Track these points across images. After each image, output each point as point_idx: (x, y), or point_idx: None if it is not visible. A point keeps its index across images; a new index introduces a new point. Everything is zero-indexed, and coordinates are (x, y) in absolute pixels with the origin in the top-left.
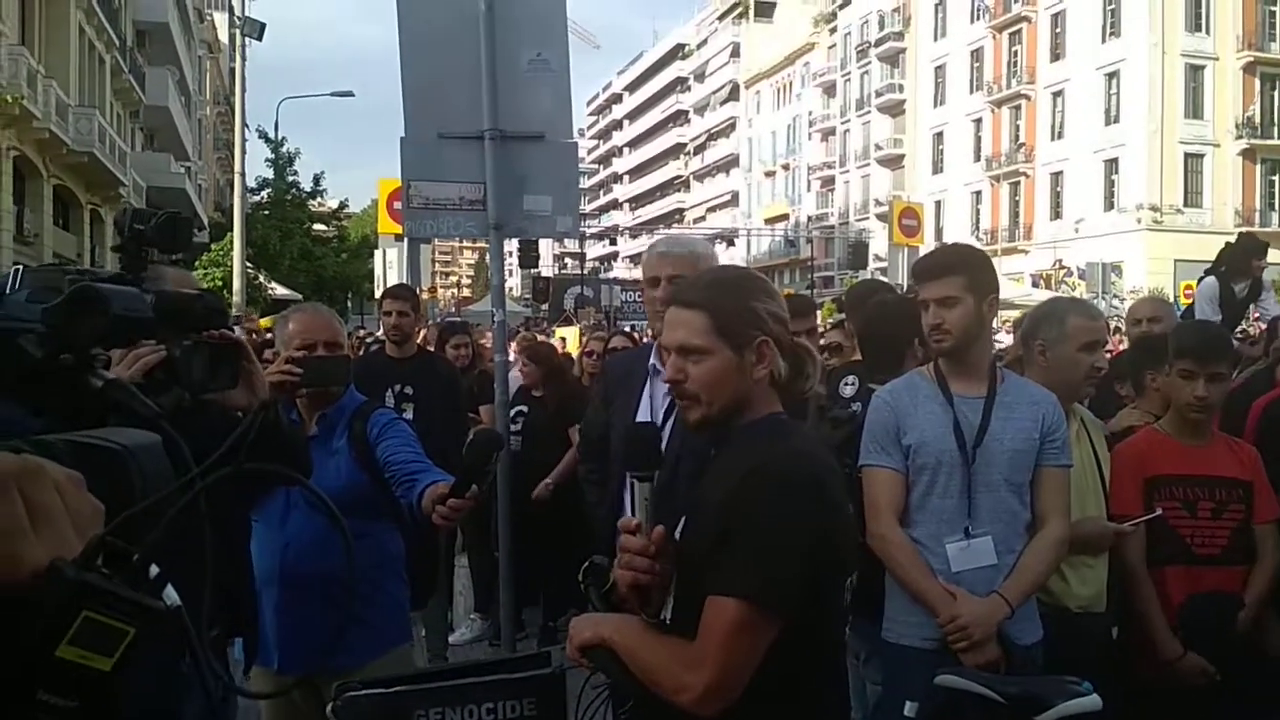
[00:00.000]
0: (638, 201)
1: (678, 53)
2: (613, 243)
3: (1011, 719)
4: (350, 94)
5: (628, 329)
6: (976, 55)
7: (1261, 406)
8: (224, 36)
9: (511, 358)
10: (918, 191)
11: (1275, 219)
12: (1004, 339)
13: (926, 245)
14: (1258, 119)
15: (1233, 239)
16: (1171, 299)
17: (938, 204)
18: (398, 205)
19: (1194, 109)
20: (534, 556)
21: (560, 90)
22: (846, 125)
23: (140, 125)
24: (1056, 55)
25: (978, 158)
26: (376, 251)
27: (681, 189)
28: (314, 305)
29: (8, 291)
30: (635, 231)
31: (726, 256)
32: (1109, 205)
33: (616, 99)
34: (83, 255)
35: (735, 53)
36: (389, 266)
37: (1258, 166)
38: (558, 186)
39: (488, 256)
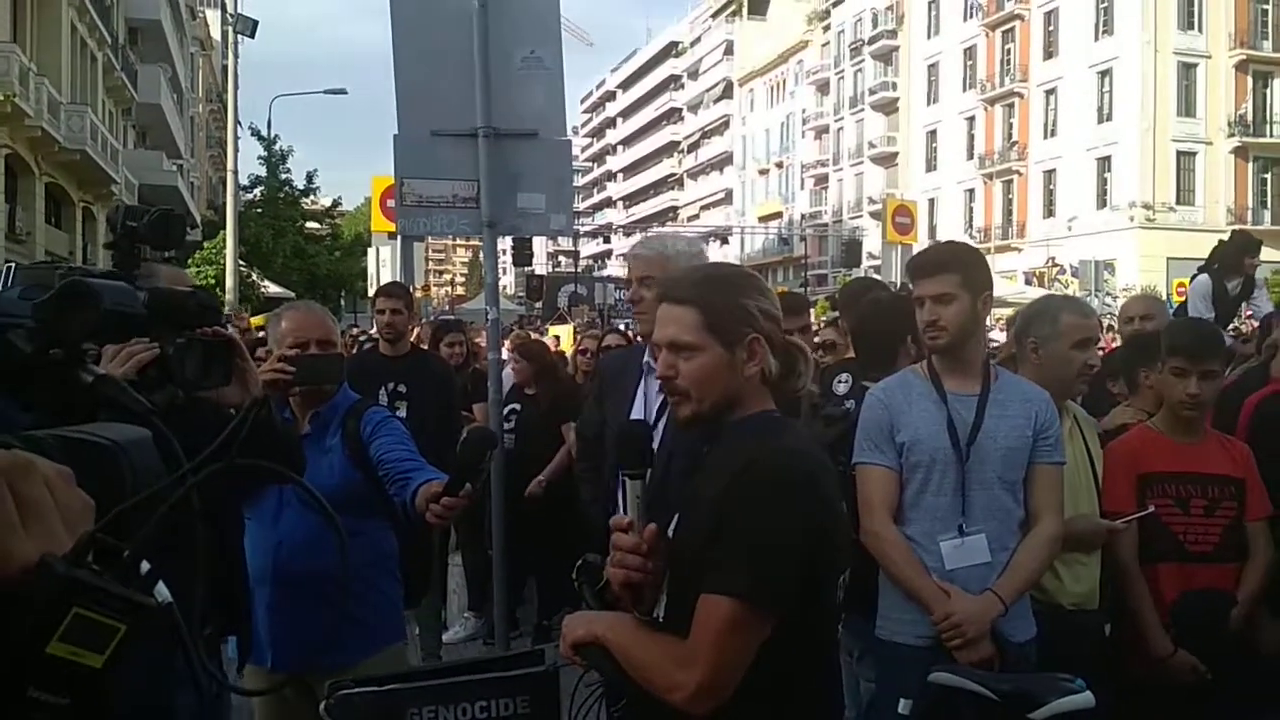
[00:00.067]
0: (632, 199)
1: (671, 50)
2: (607, 241)
3: (1005, 716)
4: (343, 91)
5: (621, 327)
6: (969, 53)
7: (1254, 404)
8: (216, 34)
9: (505, 355)
10: (911, 189)
11: (1268, 217)
12: (997, 337)
13: (920, 243)
14: (1250, 117)
15: (1225, 237)
16: (1164, 297)
17: (931, 202)
18: (391, 203)
19: (1186, 107)
20: (527, 554)
21: (554, 87)
22: (840, 123)
23: (132, 123)
24: (1049, 53)
25: (971, 155)
26: (370, 249)
27: (675, 187)
28: (306, 303)
29: (0, 289)
30: (629, 229)
31: (720, 254)
32: (1102, 203)
33: (610, 96)
34: (75, 253)
35: (729, 50)
36: (382, 264)
37: (1250, 164)
38: (551, 184)
39: (481, 254)
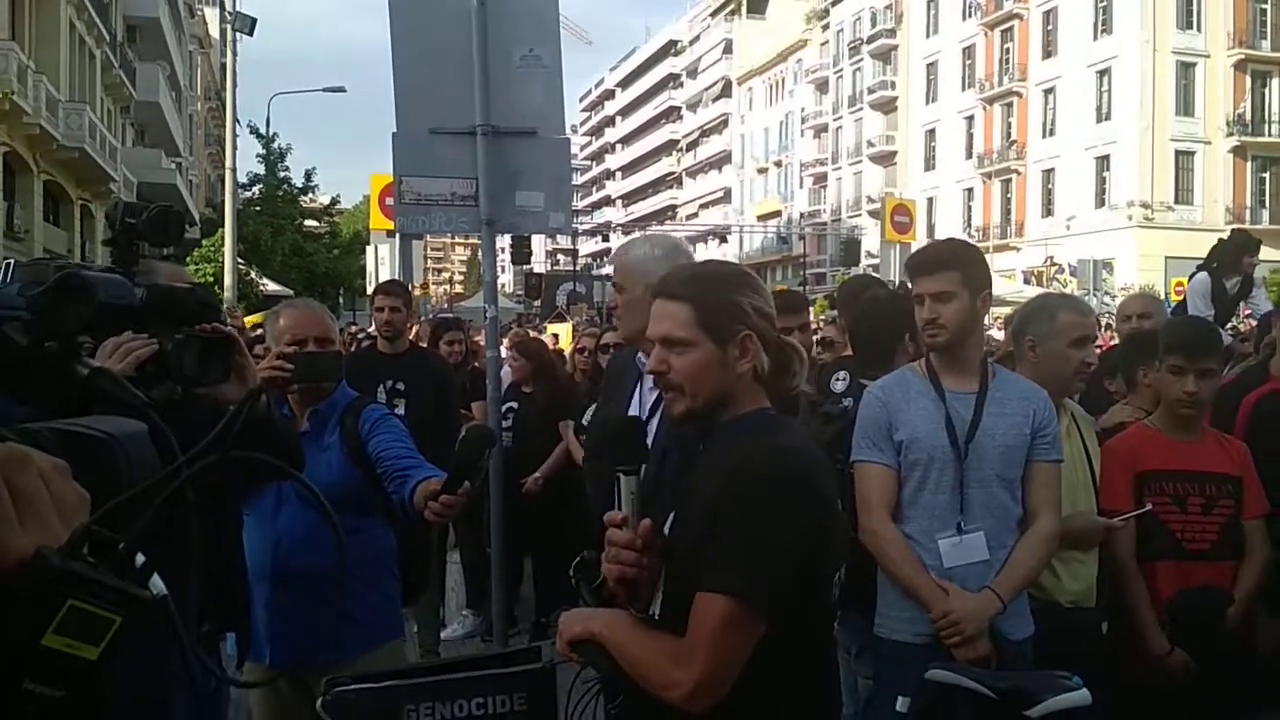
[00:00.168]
0: (630, 198)
1: (670, 49)
2: (605, 239)
3: (1002, 713)
4: (342, 89)
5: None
6: (968, 52)
7: (1252, 402)
8: (215, 31)
9: (504, 354)
10: (910, 188)
11: (1266, 216)
12: (997, 335)
13: (918, 242)
14: (1248, 116)
15: (1224, 236)
16: (1162, 296)
17: (930, 201)
18: (390, 201)
19: (1185, 106)
20: (525, 546)
21: (552, 86)
22: (839, 122)
23: (131, 121)
24: (1048, 52)
25: (969, 155)
26: (368, 247)
27: (674, 185)
28: (305, 300)
29: None
30: (628, 228)
31: (719, 253)
32: (1100, 202)
33: (609, 95)
34: (73, 251)
35: (728, 49)
36: (381, 262)
37: (1248, 164)
38: (550, 182)
39: (480, 253)
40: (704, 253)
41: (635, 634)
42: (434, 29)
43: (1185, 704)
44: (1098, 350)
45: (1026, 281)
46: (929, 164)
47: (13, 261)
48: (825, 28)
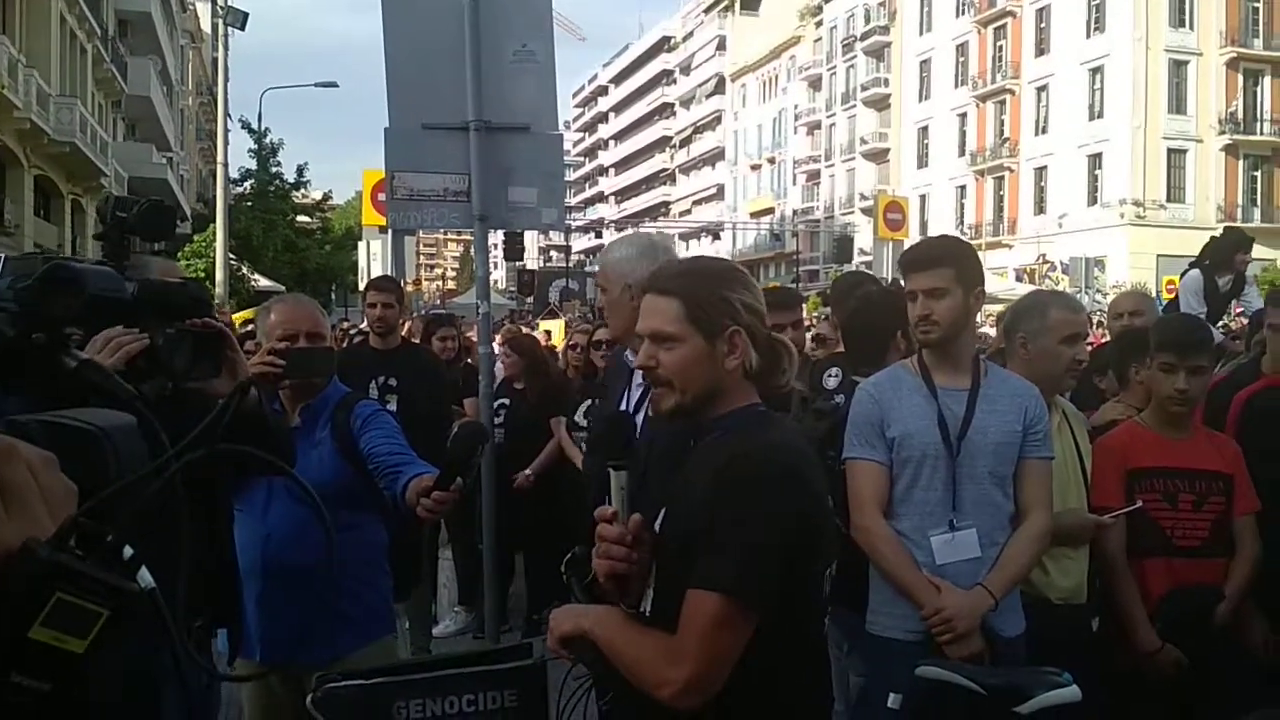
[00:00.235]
0: (623, 194)
1: (664, 45)
2: (598, 236)
3: (992, 710)
4: (334, 85)
5: None
6: (961, 50)
7: (1243, 399)
8: (207, 26)
9: (496, 350)
10: (902, 186)
11: (1257, 214)
12: (988, 332)
13: (911, 239)
14: (1240, 115)
15: (1215, 234)
16: (1154, 294)
17: (922, 198)
18: (382, 197)
19: (1177, 104)
20: (517, 548)
21: (545, 82)
22: (832, 119)
23: (122, 115)
24: (1041, 50)
25: (962, 152)
26: (360, 243)
27: (667, 182)
28: (296, 296)
29: None
30: (621, 224)
31: (712, 249)
32: (1092, 200)
33: (602, 91)
34: (64, 246)
35: (721, 46)
36: (373, 258)
37: (1240, 162)
38: (543, 178)
39: (472, 249)
40: (697, 249)
41: (626, 631)
42: (427, 24)
43: (1176, 700)
44: (1089, 347)
45: (1019, 279)
46: (922, 161)
47: (4, 256)
48: (818, 25)
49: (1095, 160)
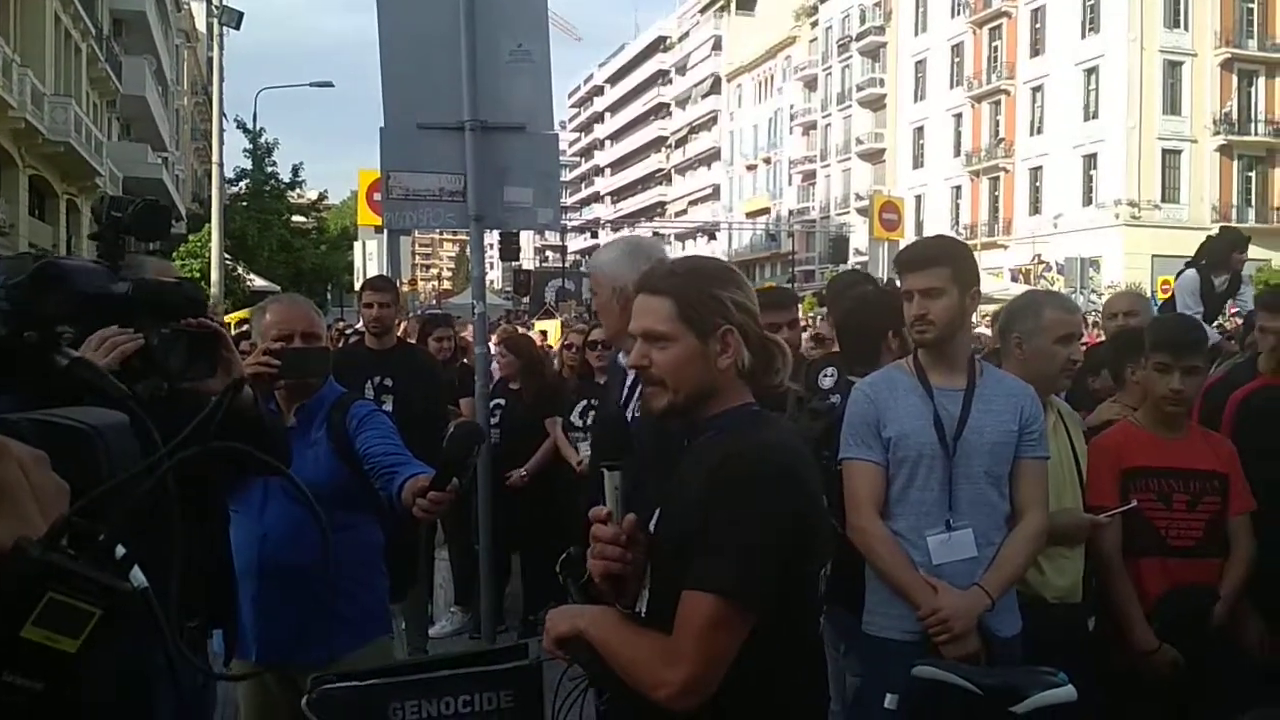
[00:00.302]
0: (619, 194)
1: (659, 45)
2: (594, 236)
3: (988, 710)
4: (330, 84)
5: None
6: (957, 50)
7: (1238, 399)
8: (201, 25)
9: (492, 350)
10: (898, 186)
11: (1252, 215)
12: (984, 332)
13: (906, 239)
14: (1235, 115)
15: (1211, 234)
16: (1149, 294)
17: (918, 199)
18: (377, 197)
19: (1172, 105)
20: (513, 548)
21: (541, 81)
22: (827, 119)
23: (117, 115)
24: (1036, 51)
25: (958, 153)
26: (356, 243)
27: (663, 182)
28: (291, 295)
29: None
30: (617, 225)
31: (708, 250)
32: (1087, 200)
33: (598, 91)
34: (59, 246)
35: (717, 46)
36: (369, 258)
37: (1234, 163)
38: (538, 178)
39: (468, 249)
40: (693, 249)
41: (623, 632)
42: (422, 24)
43: (1172, 700)
44: (1082, 347)
45: (1014, 279)
46: (917, 162)
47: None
48: (814, 25)
49: (1090, 161)
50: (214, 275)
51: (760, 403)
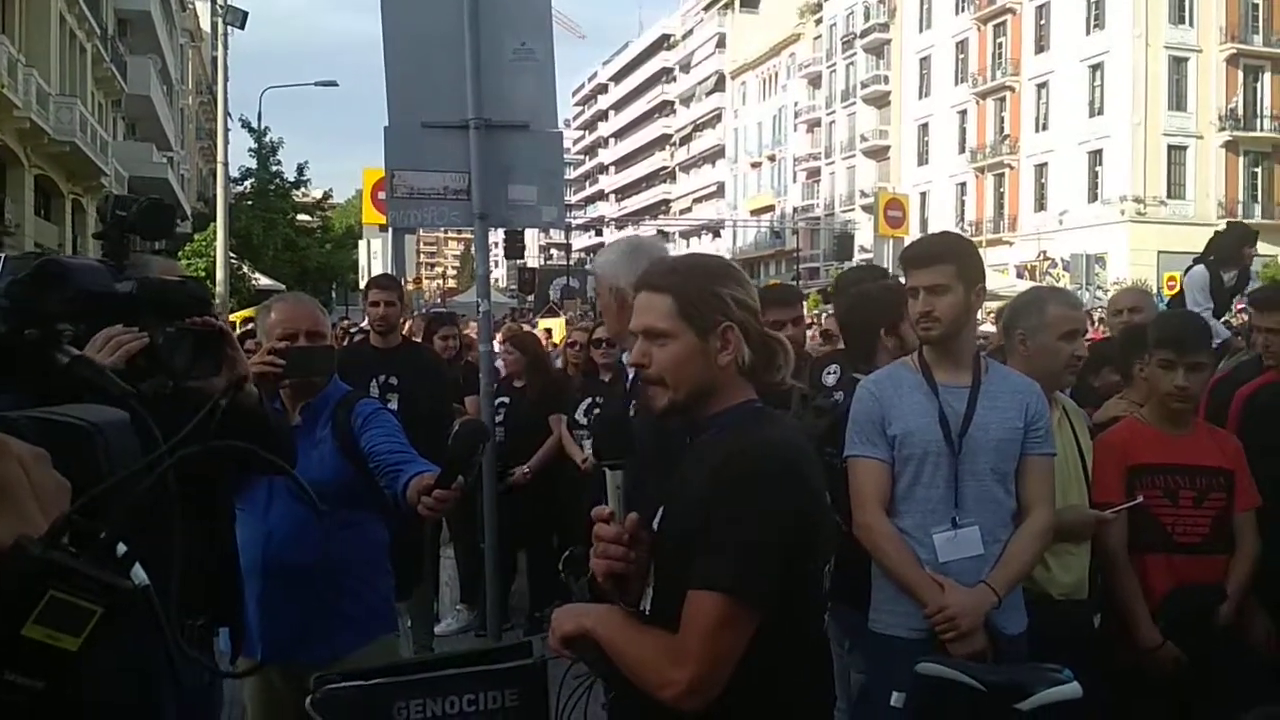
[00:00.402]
0: (623, 192)
1: (663, 43)
2: (599, 234)
3: (993, 707)
4: (334, 84)
5: None
6: (961, 47)
7: (1245, 395)
8: (206, 25)
9: (497, 348)
10: (903, 183)
11: (1258, 210)
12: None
13: (911, 236)
14: (1240, 111)
15: (1219, 229)
16: (1154, 290)
17: (923, 195)
18: (382, 195)
19: (1177, 101)
20: (519, 546)
21: (545, 80)
22: (832, 116)
23: (122, 114)
24: (1041, 47)
25: (962, 149)
26: (361, 242)
27: (667, 180)
28: (295, 294)
29: None
30: (621, 223)
31: (712, 247)
32: (1093, 197)
33: (602, 89)
34: (64, 245)
35: (721, 43)
36: (373, 257)
37: (1240, 158)
38: (543, 176)
39: (473, 247)
40: (697, 247)
41: (628, 631)
42: (426, 22)
43: (1177, 697)
44: (1087, 343)
45: (1019, 276)
46: (922, 158)
47: (4, 255)
48: (818, 22)
49: (1095, 157)
50: (219, 274)
51: (764, 400)
